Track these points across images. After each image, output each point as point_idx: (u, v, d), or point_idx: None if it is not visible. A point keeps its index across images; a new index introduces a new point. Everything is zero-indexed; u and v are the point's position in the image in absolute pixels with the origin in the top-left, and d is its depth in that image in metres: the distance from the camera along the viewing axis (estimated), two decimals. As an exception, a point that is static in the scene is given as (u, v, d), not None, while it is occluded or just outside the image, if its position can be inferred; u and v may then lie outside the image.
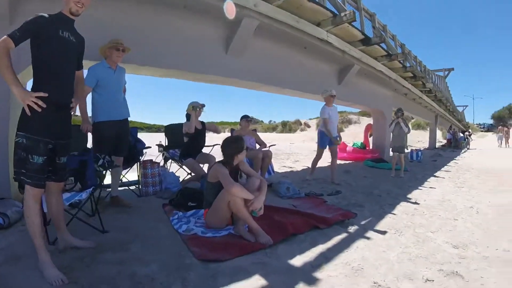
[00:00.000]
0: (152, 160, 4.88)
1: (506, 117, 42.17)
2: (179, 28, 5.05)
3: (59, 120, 2.23)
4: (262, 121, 53.53)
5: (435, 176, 7.67)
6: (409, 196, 5.07)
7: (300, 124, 41.94)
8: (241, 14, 4.89)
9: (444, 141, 27.49)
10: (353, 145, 11.69)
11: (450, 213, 4.01)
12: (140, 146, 4.59)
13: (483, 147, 24.47)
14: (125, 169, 4.50)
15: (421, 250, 2.70)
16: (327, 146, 5.96)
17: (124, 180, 4.75)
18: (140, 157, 4.63)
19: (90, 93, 3.57)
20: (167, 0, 4.70)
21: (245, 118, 5.48)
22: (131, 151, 4.36)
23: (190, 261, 2.34)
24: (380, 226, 3.39)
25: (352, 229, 3.25)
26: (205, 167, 4.79)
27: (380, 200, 4.67)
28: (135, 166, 4.69)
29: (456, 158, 14.00)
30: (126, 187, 4.74)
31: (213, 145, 5.35)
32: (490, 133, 36.39)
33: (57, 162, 2.29)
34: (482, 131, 42.40)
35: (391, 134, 7.54)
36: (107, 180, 3.74)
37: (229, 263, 2.33)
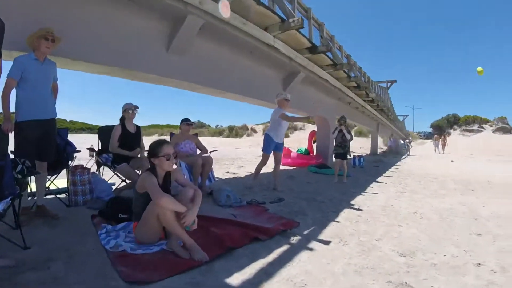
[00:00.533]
0: (82, 165, 4.40)
1: (444, 126, 45.77)
2: (118, 20, 4.62)
3: None
4: (208, 125, 52.87)
5: (377, 182, 7.82)
6: (352, 202, 5.06)
7: (247, 129, 42.13)
8: (185, 11, 4.60)
9: (386, 148, 29.33)
10: (298, 151, 11.84)
11: (394, 219, 4.01)
12: (70, 150, 4.11)
13: (422, 153, 26.39)
14: (53, 175, 4.02)
15: (367, 260, 2.61)
16: (272, 152, 5.76)
17: (52, 187, 4.24)
18: (70, 162, 4.14)
19: (14, 88, 3.10)
20: None
21: (185, 121, 5.16)
22: (60, 155, 3.88)
23: (116, 283, 2.06)
24: (324, 235, 3.29)
25: (294, 239, 3.11)
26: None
27: (323, 207, 4.60)
28: (65, 172, 4.18)
29: (397, 164, 14.59)
30: (55, 195, 4.20)
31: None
32: (429, 141, 39.14)
33: None
34: (421, 138, 46.03)
35: (334, 141, 7.62)
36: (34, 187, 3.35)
37: (160, 284, 2.08)
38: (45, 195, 3.82)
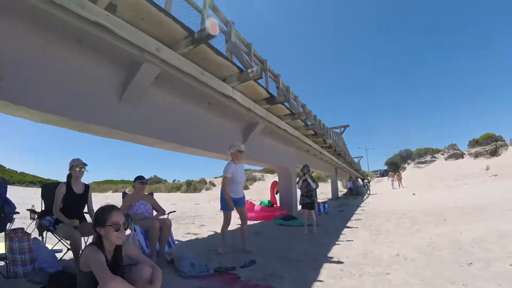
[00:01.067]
0: (22, 229, 3.65)
1: (398, 162, 47.43)
2: (66, 64, 4.07)
3: None
4: (165, 180, 50.94)
5: (348, 227, 7.75)
6: (329, 254, 4.76)
7: (205, 183, 41.08)
8: (141, 57, 4.23)
9: (345, 190, 30.10)
10: (261, 203, 11.38)
11: (379, 267, 3.82)
12: (8, 210, 3.50)
13: (382, 191, 27.41)
14: None
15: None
16: (234, 208, 5.09)
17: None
18: (8, 225, 3.51)
19: None
20: (61, 31, 3.74)
21: (139, 179, 4.62)
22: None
23: None
24: None
25: None
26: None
27: (299, 265, 4.24)
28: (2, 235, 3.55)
29: (361, 205, 14.83)
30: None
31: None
32: (385, 178, 40.15)
33: None
34: (377, 176, 47.38)
35: (299, 191, 7.40)
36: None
37: None
38: None
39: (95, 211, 2.36)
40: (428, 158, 43.96)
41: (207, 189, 39.20)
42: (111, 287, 1.85)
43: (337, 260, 4.36)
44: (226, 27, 6.35)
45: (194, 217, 12.07)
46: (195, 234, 7.40)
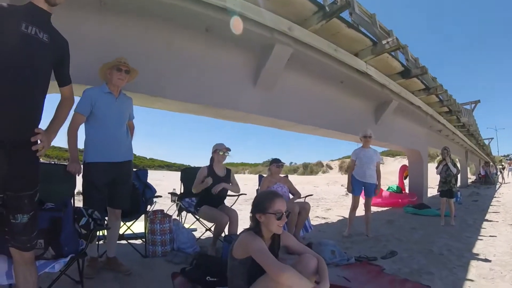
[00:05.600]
0: (163, 211, 3.99)
1: None
2: (199, 54, 4.30)
3: (7, 163, 1.51)
4: (284, 164, 52.30)
5: (487, 221, 7.05)
6: (474, 251, 4.38)
7: (322, 165, 40.56)
8: (272, 39, 4.17)
9: (473, 178, 26.84)
10: (388, 189, 10.58)
11: None
12: (149, 195, 3.76)
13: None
14: (129, 221, 3.65)
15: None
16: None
17: (128, 232, 3.88)
18: (149, 207, 3.78)
19: (83, 125, 2.81)
20: (188, 22, 3.92)
21: (275, 162, 4.58)
22: (137, 200, 3.54)
23: None
24: None
25: None
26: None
27: (445, 260, 3.85)
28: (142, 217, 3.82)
29: (496, 196, 13.50)
30: (128, 242, 3.82)
31: (238, 195, 4.41)
32: None
33: (12, 222, 1.56)
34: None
35: (439, 177, 6.66)
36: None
37: None
38: (119, 240, 3.42)
39: (256, 195, 2.28)
40: None
41: (323, 172, 38.78)
42: (285, 277, 1.72)
43: (484, 258, 4.00)
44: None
45: (318, 200, 12.04)
46: (324, 218, 7.29)
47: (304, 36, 4.38)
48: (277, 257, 2.07)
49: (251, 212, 2.09)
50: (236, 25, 3.87)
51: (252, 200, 2.16)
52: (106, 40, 3.53)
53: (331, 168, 39.16)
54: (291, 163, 46.61)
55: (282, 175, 4.80)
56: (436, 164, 6.85)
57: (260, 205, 2.04)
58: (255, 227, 2.04)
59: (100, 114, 2.78)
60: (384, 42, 5.33)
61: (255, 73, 4.83)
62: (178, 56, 4.13)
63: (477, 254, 4.16)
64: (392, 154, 36.94)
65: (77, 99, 2.50)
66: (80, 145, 2.80)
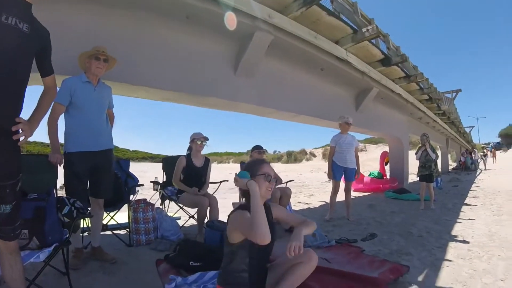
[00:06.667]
0: (146, 200, 4.01)
1: None
2: (179, 42, 4.31)
3: None
4: (266, 150, 52.50)
5: (466, 205, 7.22)
6: (453, 233, 4.50)
7: (306, 153, 40.96)
8: (253, 26, 4.18)
9: (454, 164, 27.82)
10: (370, 174, 10.87)
11: (508, 251, 3.54)
12: (131, 184, 3.78)
13: (496, 167, 24.81)
14: (112, 210, 3.67)
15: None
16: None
17: (112, 222, 3.90)
18: (131, 197, 3.79)
19: (63, 114, 2.80)
20: (168, 10, 3.91)
21: (257, 149, 4.65)
22: (120, 190, 3.57)
23: None
24: (442, 281, 2.73)
25: None
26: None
27: (424, 242, 3.98)
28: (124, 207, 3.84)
29: (475, 181, 13.76)
30: (112, 232, 3.86)
31: (220, 182, 4.47)
32: (498, 152, 35.70)
33: None
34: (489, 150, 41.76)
35: (418, 162, 6.86)
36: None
37: None
38: (103, 231, 3.46)
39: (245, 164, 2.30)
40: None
41: (307, 160, 39.19)
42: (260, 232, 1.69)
43: (462, 239, 4.12)
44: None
45: (301, 186, 12.26)
46: (307, 203, 7.45)
47: (284, 23, 4.40)
48: (273, 229, 1.99)
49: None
50: (230, 20, 3.93)
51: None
52: (87, 30, 3.48)
53: (314, 156, 39.58)
54: (275, 151, 46.90)
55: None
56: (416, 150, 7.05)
57: (249, 170, 2.04)
58: (245, 204, 2.00)
59: (79, 103, 2.76)
60: (364, 30, 5.40)
61: (236, 60, 4.84)
62: (159, 44, 4.12)
63: (456, 236, 4.29)
64: (374, 141, 37.53)
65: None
66: (61, 137, 2.79)
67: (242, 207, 1.96)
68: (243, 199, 2.09)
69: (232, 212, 2.00)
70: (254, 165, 2.06)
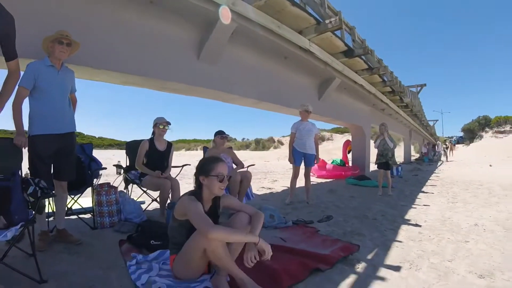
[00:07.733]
0: (109, 183, 4.03)
1: (476, 129, 42.76)
2: (143, 26, 4.30)
3: None
4: (235, 138, 52.57)
5: (423, 192, 7.47)
6: (406, 217, 4.67)
7: (274, 141, 41.57)
8: (216, 14, 4.22)
9: (417, 155, 28.81)
10: (333, 162, 11.26)
11: (457, 234, 3.70)
12: (94, 167, 3.77)
13: (456, 159, 25.73)
14: (76, 194, 3.68)
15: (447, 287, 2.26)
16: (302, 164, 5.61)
17: (76, 206, 3.90)
18: (95, 180, 3.81)
19: (27, 98, 2.77)
20: None
21: (219, 134, 4.74)
22: (84, 173, 3.57)
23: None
24: (391, 259, 2.87)
25: (359, 267, 2.65)
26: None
27: (377, 224, 4.15)
28: (89, 190, 3.85)
29: (436, 172, 14.19)
30: (78, 216, 3.85)
31: (182, 166, 4.55)
32: (460, 145, 37.52)
33: None
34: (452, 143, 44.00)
35: (376, 150, 7.17)
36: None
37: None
38: (68, 216, 3.49)
39: (200, 160, 2.42)
40: (508, 128, 38.60)
41: (275, 148, 39.76)
42: (213, 234, 1.87)
43: (415, 223, 4.27)
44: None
45: (266, 173, 12.46)
46: (269, 188, 7.61)
47: (248, 12, 4.47)
48: (218, 218, 2.27)
49: (195, 174, 2.24)
50: (224, 14, 4.00)
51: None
52: (50, 13, 3.42)
53: (282, 143, 40.19)
54: (243, 139, 47.19)
55: (227, 147, 4.98)
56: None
57: (203, 168, 2.19)
58: (196, 191, 2.20)
59: (43, 87, 2.76)
60: (327, 21, 5.56)
61: (199, 46, 4.88)
62: (122, 28, 4.10)
63: (409, 220, 4.45)
64: (340, 131, 38.55)
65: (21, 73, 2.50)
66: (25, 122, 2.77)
67: (195, 194, 2.18)
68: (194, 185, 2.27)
69: (187, 193, 2.22)
70: (208, 165, 2.19)
